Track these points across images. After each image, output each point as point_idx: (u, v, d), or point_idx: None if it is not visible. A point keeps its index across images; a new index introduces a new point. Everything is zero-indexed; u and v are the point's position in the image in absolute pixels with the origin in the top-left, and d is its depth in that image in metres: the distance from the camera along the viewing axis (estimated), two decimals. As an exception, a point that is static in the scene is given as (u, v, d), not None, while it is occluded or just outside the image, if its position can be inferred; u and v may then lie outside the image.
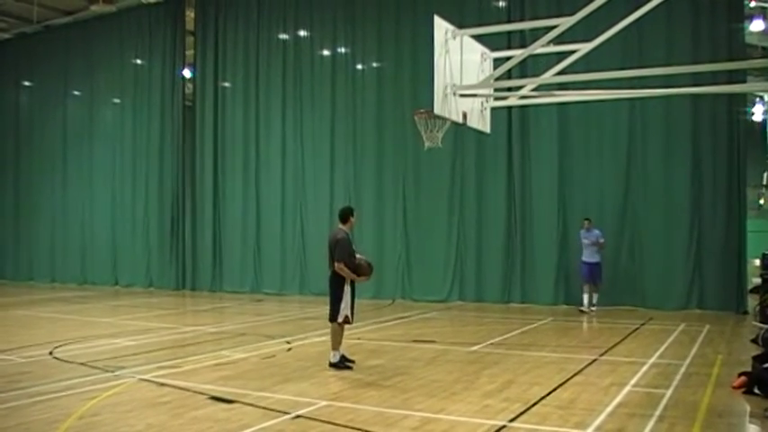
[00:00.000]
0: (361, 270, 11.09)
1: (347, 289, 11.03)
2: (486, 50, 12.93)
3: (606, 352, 12.48)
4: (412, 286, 21.95)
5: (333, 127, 23.85)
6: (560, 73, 12.33)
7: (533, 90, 13.11)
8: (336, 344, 11.08)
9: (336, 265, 10.89)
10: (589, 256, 18.34)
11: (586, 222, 18.59)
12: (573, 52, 12.22)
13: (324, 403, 8.77)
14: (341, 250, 10.94)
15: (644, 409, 8.44)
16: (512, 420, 7.92)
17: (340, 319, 10.96)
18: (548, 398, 9.01)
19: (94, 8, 28.66)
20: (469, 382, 10.05)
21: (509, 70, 12.05)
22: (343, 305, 10.95)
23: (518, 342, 13.94)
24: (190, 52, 27.52)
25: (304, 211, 24.26)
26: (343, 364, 10.98)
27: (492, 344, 13.55)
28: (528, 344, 13.67)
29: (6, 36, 32.04)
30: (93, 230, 29.60)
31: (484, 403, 8.74)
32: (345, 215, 11.48)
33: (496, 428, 7.62)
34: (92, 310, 20.36)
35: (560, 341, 14.20)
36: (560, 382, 9.90)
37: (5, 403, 8.92)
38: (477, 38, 12.62)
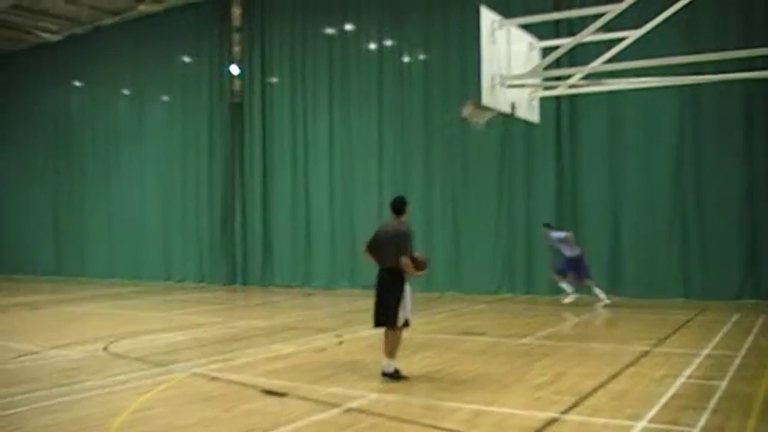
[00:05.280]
0: (423, 266, 10.11)
1: (407, 288, 10.00)
2: (534, 40, 12.83)
3: (659, 343, 12.32)
4: (461, 279, 21.85)
5: (380, 120, 23.83)
6: (610, 61, 12.20)
7: (582, 79, 12.99)
8: (395, 351, 9.92)
9: (403, 259, 9.76)
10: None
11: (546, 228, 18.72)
12: (622, 39, 12.07)
13: (374, 396, 8.77)
14: (409, 243, 9.96)
15: (698, 401, 8.30)
16: (564, 412, 7.86)
17: (400, 323, 9.88)
18: (600, 390, 8.92)
19: (142, 8, 29.01)
20: (520, 374, 9.99)
21: (557, 59, 11.93)
22: (401, 308, 9.85)
23: (569, 334, 13.85)
24: (237, 49, 27.67)
25: (353, 205, 24.32)
26: (398, 375, 9.80)
27: (543, 336, 13.45)
28: (579, 335, 13.56)
29: (57, 38, 32.50)
30: (145, 227, 29.94)
31: (535, 395, 8.68)
32: (403, 206, 10.25)
33: (548, 420, 7.56)
34: (145, 306, 20.62)
35: (612, 332, 14.06)
36: (613, 374, 9.79)
37: (61, 397, 9.06)
38: (525, 27, 12.53)
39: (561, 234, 18.18)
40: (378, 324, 10.06)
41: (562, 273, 18.27)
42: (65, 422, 7.98)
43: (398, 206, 10.27)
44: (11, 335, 15.06)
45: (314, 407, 8.33)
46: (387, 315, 9.92)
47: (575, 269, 18.05)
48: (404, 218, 10.26)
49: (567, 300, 18.13)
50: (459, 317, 16.72)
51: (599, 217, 19.86)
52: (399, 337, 10.01)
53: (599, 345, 12.43)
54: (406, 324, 10.01)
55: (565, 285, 18.25)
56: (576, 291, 18.25)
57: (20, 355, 12.24)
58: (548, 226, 18.73)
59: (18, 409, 8.54)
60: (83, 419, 8.08)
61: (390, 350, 9.91)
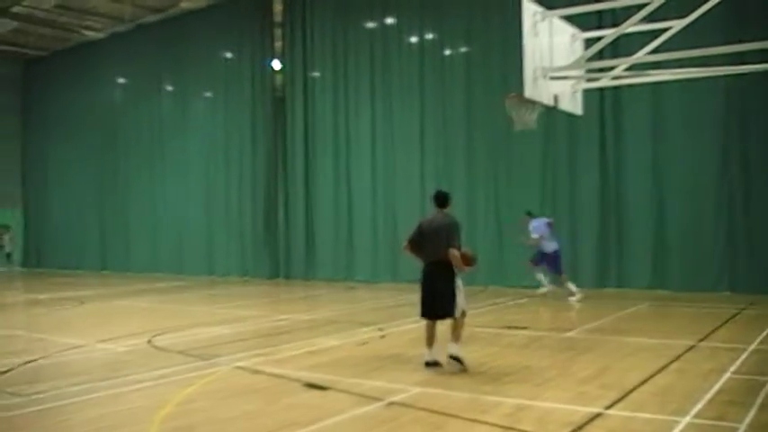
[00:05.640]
0: (471, 261, 10.04)
1: (458, 279, 10.02)
2: (576, 31, 12.72)
3: (705, 338, 12.15)
4: (504, 273, 21.71)
5: (422, 114, 23.79)
6: (654, 51, 12.06)
7: (626, 70, 12.86)
8: (460, 337, 9.98)
9: (451, 251, 9.80)
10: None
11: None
12: (666, 29, 11.92)
13: (417, 390, 8.75)
14: (458, 235, 10.02)
15: (744, 396, 8.16)
16: (607, 407, 7.78)
17: (458, 314, 9.94)
18: (644, 384, 8.81)
19: (184, 5, 29.33)
20: (564, 368, 9.92)
21: (601, 50, 11.81)
22: (459, 298, 9.92)
23: (613, 328, 13.70)
24: (278, 44, 27.78)
25: (395, 199, 24.30)
26: (461, 361, 9.80)
27: (586, 329, 13.36)
28: (624, 329, 13.41)
29: (101, 36, 32.93)
30: (188, 222, 30.27)
31: (579, 390, 8.61)
32: (448, 199, 10.38)
33: (592, 415, 7.49)
34: (188, 300, 20.81)
35: (657, 326, 13.88)
36: (657, 369, 9.67)
37: (107, 390, 9.17)
38: (567, 18, 12.43)
39: (543, 224, 18.06)
40: (434, 316, 10.13)
41: (536, 263, 18.36)
42: (110, 414, 8.08)
43: (443, 199, 10.37)
44: (59, 329, 15.29)
45: (356, 400, 8.34)
46: (443, 307, 9.97)
47: (550, 263, 18.13)
48: (448, 210, 10.34)
49: (543, 290, 18.24)
50: (501, 311, 16.65)
51: (643, 210, 19.64)
52: (463, 324, 10.10)
53: (643, 339, 12.28)
54: (463, 314, 10.06)
55: (541, 276, 18.30)
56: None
57: (67, 349, 12.41)
58: (529, 214, 18.59)
59: (65, 401, 8.65)
60: (128, 412, 8.17)
61: (457, 336, 9.98)
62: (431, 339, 10.09)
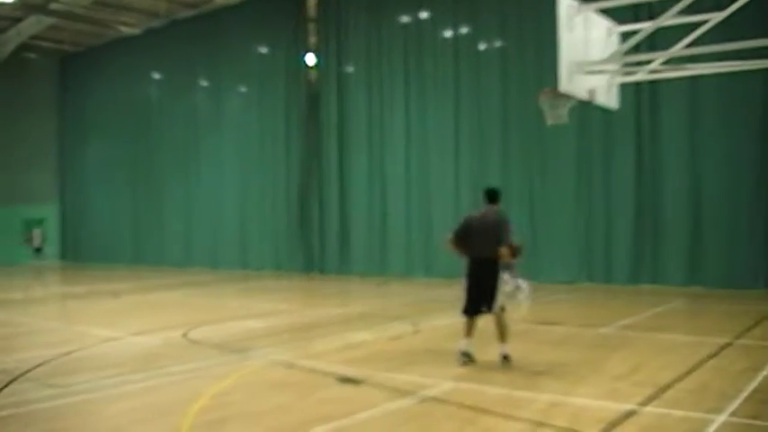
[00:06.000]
0: (519, 251, 10.21)
1: (502, 275, 10.14)
2: (612, 24, 12.60)
3: (740, 335, 12.00)
4: (538, 268, 21.55)
5: (456, 108, 23.68)
6: (691, 45, 11.92)
7: (663, 64, 12.72)
8: (507, 335, 10.06)
9: (501, 249, 9.93)
10: None
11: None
12: (704, 22, 11.77)
13: (450, 385, 8.75)
14: (509, 231, 10.17)
15: (782, 394, 8.09)
16: (642, 404, 7.72)
17: (496, 309, 9.97)
18: (679, 382, 8.73)
19: (219, 0, 29.39)
20: (598, 364, 9.86)
21: (637, 44, 11.70)
22: (501, 293, 10.03)
23: (648, 324, 13.59)
24: (312, 39, 27.80)
25: (429, 194, 24.22)
26: (508, 358, 9.94)
27: (621, 326, 13.25)
28: (658, 326, 13.30)
29: (136, 32, 33.12)
30: (222, 216, 30.45)
31: (613, 386, 8.56)
32: (498, 196, 10.36)
33: (626, 412, 7.44)
34: (222, 294, 20.94)
35: (692, 324, 13.75)
36: (692, 366, 9.58)
37: (142, 382, 9.27)
38: (602, 12, 12.32)
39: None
40: (475, 312, 10.09)
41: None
42: (145, 406, 8.15)
43: (495, 195, 10.39)
44: (94, 322, 15.43)
45: (389, 395, 8.35)
46: (486, 302, 9.99)
47: None
48: (498, 207, 10.37)
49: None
50: (536, 306, 16.53)
51: (679, 206, 19.40)
52: (506, 322, 10.10)
53: (678, 336, 12.18)
54: (502, 309, 10.07)
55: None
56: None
57: (102, 341, 12.53)
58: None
59: (99, 393, 8.76)
60: (162, 404, 8.24)
61: (504, 334, 10.03)
62: (470, 331, 10.08)
